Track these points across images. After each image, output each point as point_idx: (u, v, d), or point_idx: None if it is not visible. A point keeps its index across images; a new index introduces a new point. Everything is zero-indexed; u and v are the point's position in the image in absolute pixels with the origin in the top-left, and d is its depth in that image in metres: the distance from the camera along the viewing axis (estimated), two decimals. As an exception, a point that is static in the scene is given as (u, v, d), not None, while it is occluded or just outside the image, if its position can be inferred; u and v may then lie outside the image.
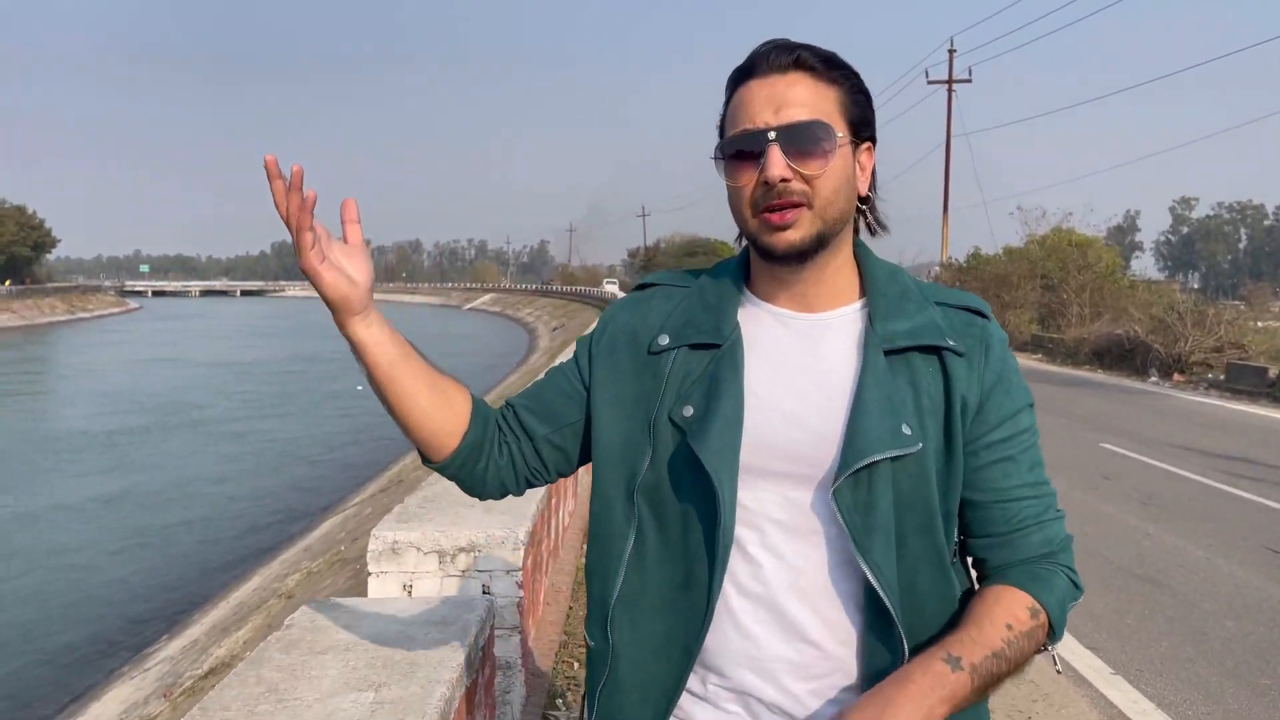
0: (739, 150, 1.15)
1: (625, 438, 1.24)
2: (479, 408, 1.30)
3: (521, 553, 3.37)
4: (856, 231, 1.26)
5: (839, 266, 1.22)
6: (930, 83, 34.50)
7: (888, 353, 1.17)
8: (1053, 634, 1.17)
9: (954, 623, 1.16)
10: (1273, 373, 16.25)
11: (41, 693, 7.91)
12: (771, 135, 1.12)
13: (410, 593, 3.28)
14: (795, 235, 1.14)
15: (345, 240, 1.18)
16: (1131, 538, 6.95)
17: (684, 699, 1.22)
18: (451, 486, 1.49)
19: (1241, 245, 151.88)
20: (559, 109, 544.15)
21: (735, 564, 1.17)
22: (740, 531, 1.17)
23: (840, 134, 1.15)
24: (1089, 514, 7.54)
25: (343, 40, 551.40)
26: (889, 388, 1.15)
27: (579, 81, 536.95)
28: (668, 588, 1.20)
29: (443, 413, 1.25)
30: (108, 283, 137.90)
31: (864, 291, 1.24)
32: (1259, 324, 23.44)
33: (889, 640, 1.14)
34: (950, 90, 34.01)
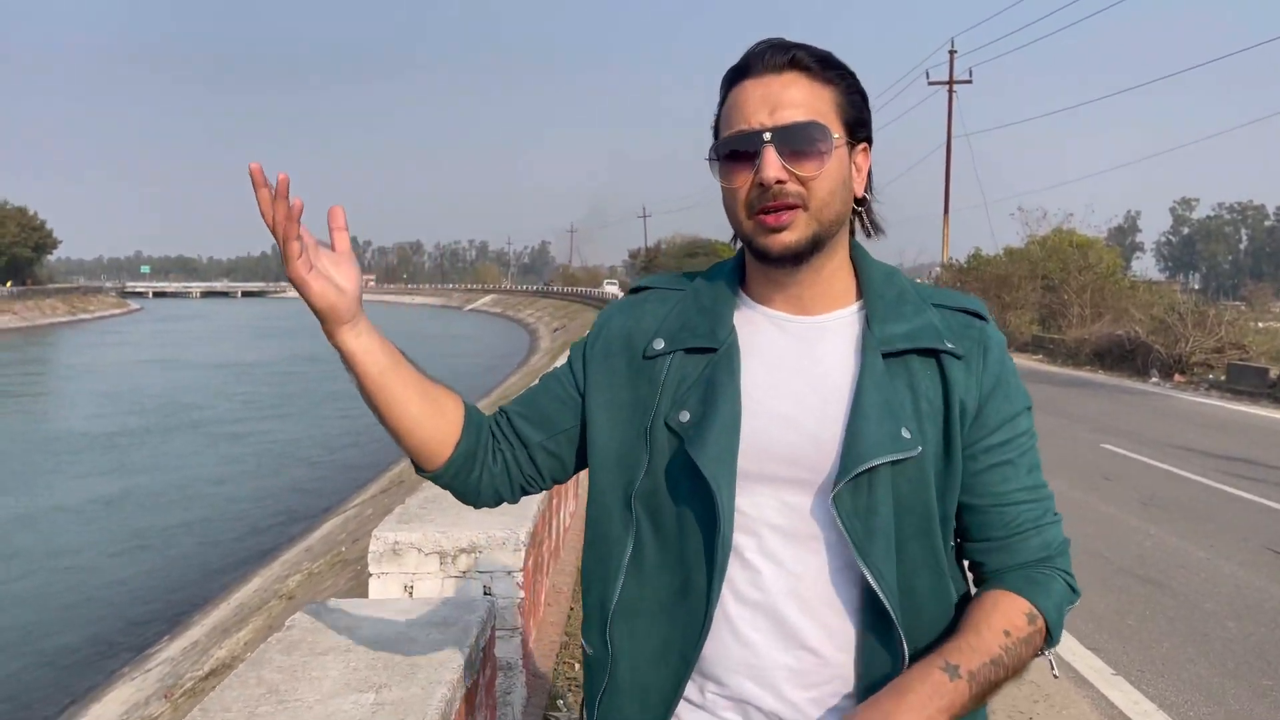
0: (734, 151, 1.14)
1: (621, 443, 1.23)
2: (471, 415, 1.28)
3: (522, 554, 3.36)
4: (852, 233, 1.25)
5: (835, 269, 1.21)
6: (931, 84, 34.47)
7: (886, 356, 1.16)
8: (1050, 639, 1.16)
9: (952, 627, 1.15)
10: (1273, 373, 16.22)
11: (42, 694, 7.90)
12: (767, 136, 1.11)
13: (411, 594, 3.27)
14: (791, 237, 1.13)
15: (333, 248, 1.16)
16: (1132, 538, 6.94)
17: (682, 707, 1.21)
18: (451, 489, 1.49)
19: (1242, 246, 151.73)
20: (559, 109, 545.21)
21: (733, 571, 1.16)
22: (738, 538, 1.15)
23: (836, 135, 1.13)
24: (1090, 515, 7.53)
25: (344, 42, 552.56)
26: (888, 391, 1.14)
27: (579, 82, 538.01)
28: (666, 595, 1.19)
29: (435, 421, 1.23)
30: (109, 284, 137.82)
31: (860, 294, 1.22)
32: (1260, 325, 23.40)
33: (889, 646, 1.13)
34: (951, 91, 33.99)
